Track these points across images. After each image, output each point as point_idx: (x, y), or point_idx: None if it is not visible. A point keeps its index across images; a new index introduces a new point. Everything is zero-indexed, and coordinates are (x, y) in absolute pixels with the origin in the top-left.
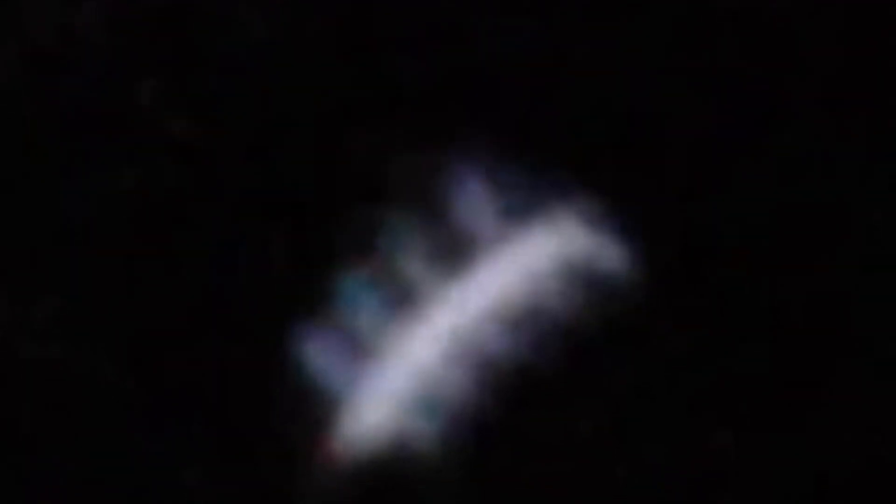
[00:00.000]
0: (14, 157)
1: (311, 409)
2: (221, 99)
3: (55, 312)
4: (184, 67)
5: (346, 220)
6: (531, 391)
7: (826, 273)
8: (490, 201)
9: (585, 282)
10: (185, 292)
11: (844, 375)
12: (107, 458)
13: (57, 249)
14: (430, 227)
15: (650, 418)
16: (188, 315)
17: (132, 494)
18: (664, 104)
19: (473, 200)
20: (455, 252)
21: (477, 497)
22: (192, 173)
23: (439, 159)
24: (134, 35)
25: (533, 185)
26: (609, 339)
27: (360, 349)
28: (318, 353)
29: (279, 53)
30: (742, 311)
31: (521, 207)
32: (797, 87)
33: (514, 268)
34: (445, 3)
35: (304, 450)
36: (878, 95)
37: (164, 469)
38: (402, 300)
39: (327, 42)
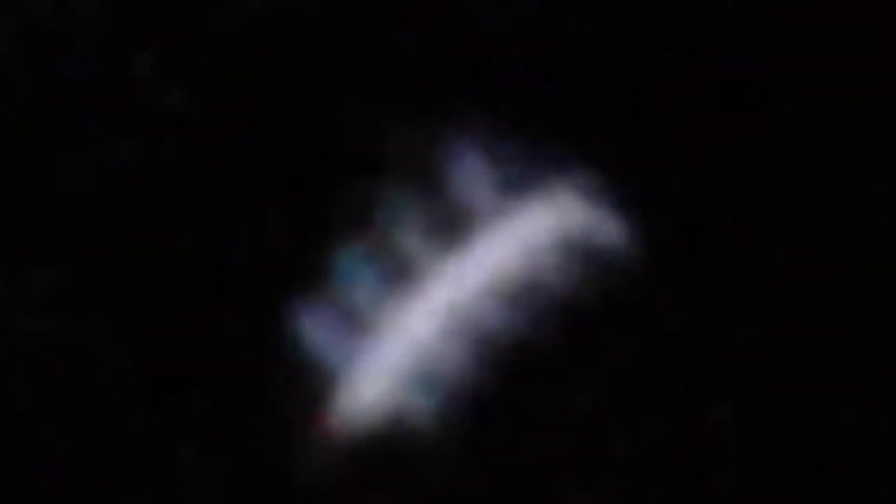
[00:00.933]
0: (9, 131)
1: (308, 384)
2: (218, 72)
3: (51, 287)
4: (180, 41)
5: (343, 194)
6: (529, 366)
7: (826, 247)
8: (487, 175)
9: (583, 256)
10: (181, 267)
11: (844, 351)
12: (102, 433)
13: (52, 223)
14: (427, 202)
15: (648, 393)
16: (184, 289)
17: (127, 470)
18: (663, 77)
19: (471, 174)
20: (452, 226)
21: (474, 472)
22: (188, 147)
23: (436, 133)
24: (130, 8)
25: (531, 159)
26: (607, 313)
27: (356, 324)
28: (314, 328)
29: (275, 26)
30: (741, 286)
31: (518, 181)
32: (797, 60)
33: (511, 242)
34: None
35: (301, 425)
36: (879, 68)
37: (160, 444)
38: (399, 275)
39: (324, 15)
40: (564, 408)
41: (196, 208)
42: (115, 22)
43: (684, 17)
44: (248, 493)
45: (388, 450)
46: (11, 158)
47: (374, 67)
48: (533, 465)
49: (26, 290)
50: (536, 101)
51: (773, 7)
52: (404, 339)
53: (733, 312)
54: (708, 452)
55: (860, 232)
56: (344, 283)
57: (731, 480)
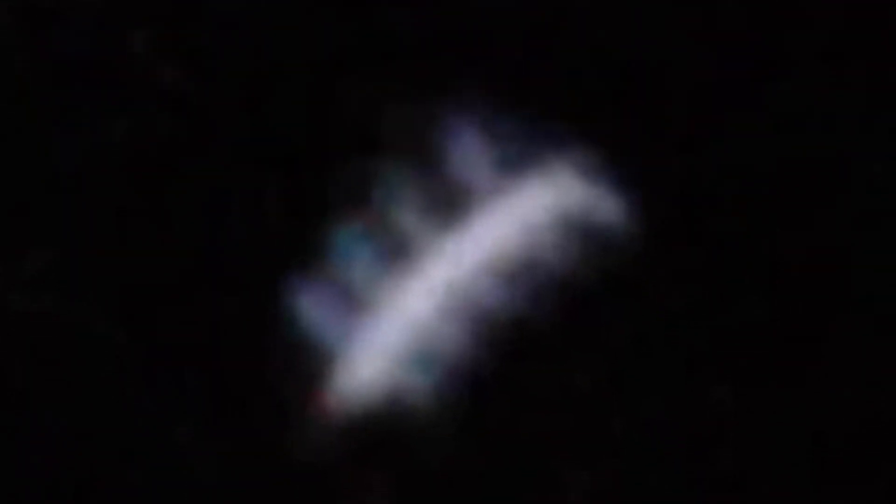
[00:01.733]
0: (4, 109)
1: (305, 363)
2: (214, 49)
3: (46, 265)
4: (176, 18)
5: (340, 171)
6: (527, 344)
7: (826, 226)
8: (486, 152)
9: (582, 234)
10: (177, 244)
11: (844, 330)
12: (98, 412)
13: (48, 201)
14: (424, 179)
15: (648, 372)
16: (180, 267)
17: (123, 449)
18: (663, 54)
19: (469, 152)
20: (450, 204)
21: (472, 451)
22: (185, 124)
23: (434, 110)
24: None
25: (529, 136)
26: (606, 291)
27: (354, 302)
28: (311, 307)
29: (272, 3)
30: (741, 264)
31: (517, 159)
32: (797, 38)
33: (510, 220)
34: None
35: (298, 404)
36: (879, 46)
37: (156, 424)
38: (397, 253)
39: None
40: (563, 386)
41: (192, 186)
42: None
43: None
44: (245, 472)
45: (386, 429)
46: (6, 136)
47: (372, 44)
48: (531, 443)
49: (22, 269)
50: (535, 78)
51: None
52: (402, 317)
53: (733, 291)
54: (707, 431)
55: (860, 211)
56: (341, 261)
57: (731, 459)
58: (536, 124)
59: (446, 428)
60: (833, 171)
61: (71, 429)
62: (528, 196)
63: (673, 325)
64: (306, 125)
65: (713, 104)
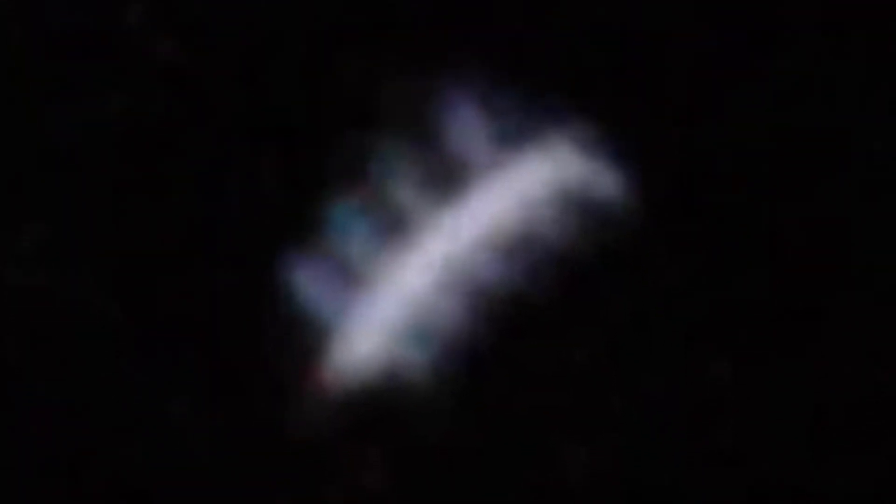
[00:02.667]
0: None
1: (301, 338)
2: (210, 22)
3: (41, 239)
4: None
5: (337, 145)
6: (525, 320)
7: (825, 199)
8: (483, 127)
9: (580, 208)
10: (173, 219)
11: (844, 303)
12: (93, 387)
13: (43, 175)
14: (422, 154)
15: (647, 347)
16: (176, 242)
17: (118, 424)
18: (661, 27)
19: (466, 126)
20: (448, 178)
21: (470, 427)
22: (180, 98)
23: (432, 84)
24: None
25: (527, 111)
26: (605, 266)
27: (350, 277)
28: (308, 281)
29: None
30: (740, 238)
31: (515, 133)
32: (797, 10)
33: (507, 194)
34: None
35: (294, 379)
36: (879, 19)
37: (151, 399)
38: (394, 227)
39: None
40: (561, 362)
41: (188, 160)
42: None
43: None
44: (241, 447)
45: (383, 404)
46: (1, 110)
47: (369, 17)
48: (529, 420)
49: (17, 244)
50: (533, 51)
51: None
52: (399, 292)
53: (732, 265)
54: (706, 407)
55: (860, 183)
56: (338, 235)
57: (730, 434)
58: (535, 98)
59: (444, 403)
60: (832, 144)
61: (67, 403)
62: (526, 170)
63: (671, 299)
64: (303, 99)
65: (712, 77)
